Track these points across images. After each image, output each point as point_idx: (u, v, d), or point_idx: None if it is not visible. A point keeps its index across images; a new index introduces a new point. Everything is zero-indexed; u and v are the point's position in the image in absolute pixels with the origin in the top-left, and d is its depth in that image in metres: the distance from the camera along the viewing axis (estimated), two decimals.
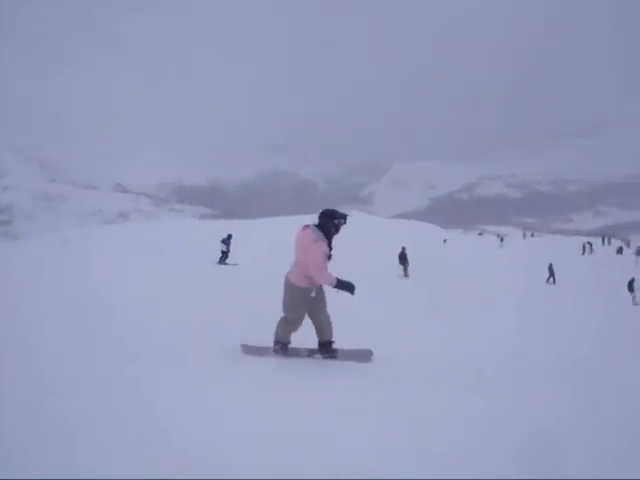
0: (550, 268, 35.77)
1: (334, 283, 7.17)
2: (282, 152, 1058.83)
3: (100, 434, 4.49)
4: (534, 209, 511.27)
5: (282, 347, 7.78)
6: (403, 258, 31.65)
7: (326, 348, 7.79)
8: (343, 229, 7.54)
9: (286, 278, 7.58)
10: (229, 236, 30.54)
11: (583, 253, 57.29)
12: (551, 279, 35.47)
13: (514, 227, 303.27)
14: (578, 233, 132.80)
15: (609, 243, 78.56)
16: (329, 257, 7.27)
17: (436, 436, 4.72)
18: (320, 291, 7.72)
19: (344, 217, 7.43)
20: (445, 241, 57.08)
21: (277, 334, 7.77)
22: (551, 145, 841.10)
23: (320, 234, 7.24)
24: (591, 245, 63.00)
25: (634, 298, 28.70)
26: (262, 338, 8.05)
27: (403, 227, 63.60)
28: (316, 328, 7.77)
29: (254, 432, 4.65)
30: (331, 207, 7.62)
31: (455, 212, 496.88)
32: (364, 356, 7.86)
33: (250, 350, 7.97)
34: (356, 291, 7.32)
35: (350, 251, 26.97)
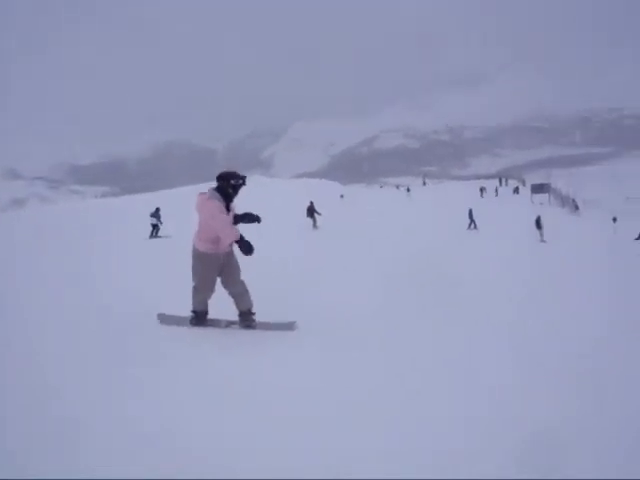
0: (470, 214, 35.04)
1: (238, 236, 6.89)
2: (178, 121, 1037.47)
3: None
4: (433, 158, 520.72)
5: (199, 317, 7.52)
6: (311, 211, 32.15)
7: (245, 317, 7.48)
8: (247, 193, 7.22)
9: (192, 245, 7.24)
10: (157, 209, 29.60)
11: (482, 196, 58.40)
12: (472, 225, 34.59)
13: (415, 177, 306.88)
14: (476, 177, 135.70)
15: (506, 184, 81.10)
16: None
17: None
18: (231, 259, 7.41)
19: (242, 178, 7.22)
20: (342, 196, 57.23)
21: (193, 304, 7.46)
22: (443, 94, 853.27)
23: (215, 194, 6.98)
24: (496, 189, 65.25)
25: (541, 235, 29.96)
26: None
27: (302, 186, 63.66)
28: (233, 298, 7.44)
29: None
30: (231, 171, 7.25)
31: (356, 167, 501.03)
32: (287, 326, 7.57)
33: (167, 320, 7.74)
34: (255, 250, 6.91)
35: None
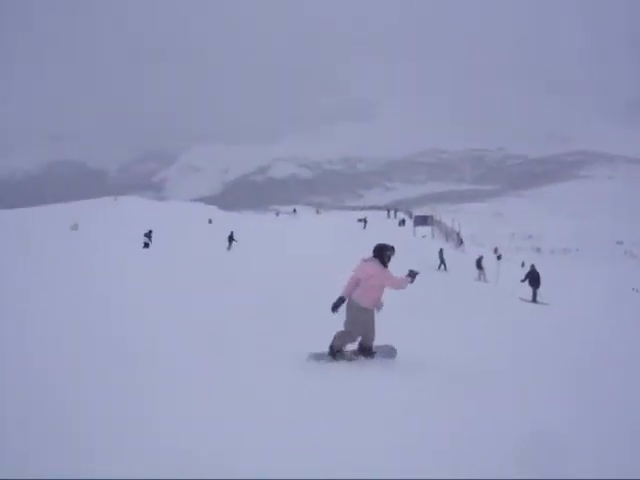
0: (440, 255, 33.16)
1: (409, 281, 8.75)
2: (71, 140, 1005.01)
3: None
4: (326, 188, 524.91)
5: (335, 352, 8.96)
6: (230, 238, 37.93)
7: (368, 351, 9.03)
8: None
9: (351, 299, 8.88)
10: (150, 231, 33.78)
11: (364, 227, 56.45)
12: (442, 266, 32.72)
13: (308, 206, 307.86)
14: (369, 208, 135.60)
15: (395, 216, 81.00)
16: None
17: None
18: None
19: (392, 249, 9.07)
20: (210, 221, 57.63)
21: (335, 345, 8.94)
22: (338, 126, 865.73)
23: (380, 264, 8.82)
24: (404, 221, 64.91)
25: (483, 275, 31.55)
26: None
27: (181, 210, 66.01)
28: (363, 337, 9.00)
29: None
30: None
31: (248, 194, 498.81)
32: (389, 352, 9.21)
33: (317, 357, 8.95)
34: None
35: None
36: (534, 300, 26.05)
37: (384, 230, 53.12)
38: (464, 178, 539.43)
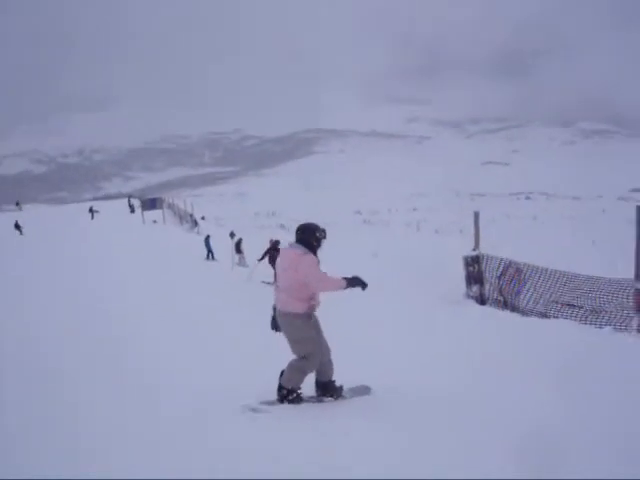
0: (207, 242, 31.24)
1: (344, 285, 6.28)
2: None
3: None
4: (63, 182, 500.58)
5: (297, 395, 6.53)
6: None
7: (327, 388, 6.72)
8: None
9: (277, 311, 6.52)
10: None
11: (92, 218, 51.52)
12: (210, 255, 31.05)
13: (43, 203, 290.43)
14: (111, 198, 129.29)
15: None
16: None
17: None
18: (317, 320, 6.70)
19: (324, 231, 6.64)
20: None
21: (291, 381, 6.39)
22: (71, 118, 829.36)
23: (304, 248, 6.37)
24: (133, 207, 61.04)
25: (242, 259, 28.95)
26: None
27: None
28: (320, 367, 6.72)
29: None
30: None
31: None
32: (362, 391, 6.87)
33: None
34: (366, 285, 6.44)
35: None
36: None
37: (113, 219, 49.17)
38: (204, 162, 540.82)
